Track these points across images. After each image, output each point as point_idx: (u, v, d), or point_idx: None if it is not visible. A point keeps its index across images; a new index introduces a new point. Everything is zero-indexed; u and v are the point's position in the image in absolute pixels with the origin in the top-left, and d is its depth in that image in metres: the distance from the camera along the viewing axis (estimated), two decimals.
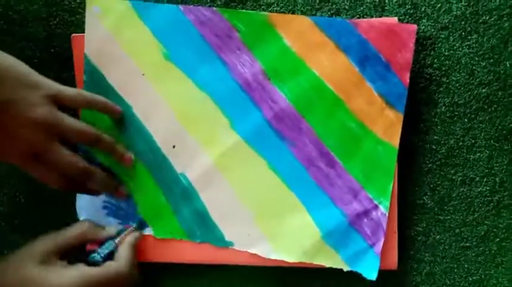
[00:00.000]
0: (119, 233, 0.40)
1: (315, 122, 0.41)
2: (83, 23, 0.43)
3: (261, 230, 0.42)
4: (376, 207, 0.40)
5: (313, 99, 0.41)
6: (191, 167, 0.42)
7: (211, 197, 0.42)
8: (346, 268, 0.41)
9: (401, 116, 0.40)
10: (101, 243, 0.39)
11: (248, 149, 0.41)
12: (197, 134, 0.42)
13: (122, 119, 0.42)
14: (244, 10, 0.42)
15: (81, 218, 0.43)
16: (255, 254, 0.42)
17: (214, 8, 0.42)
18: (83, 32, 0.43)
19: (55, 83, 0.38)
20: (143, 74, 0.42)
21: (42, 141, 0.37)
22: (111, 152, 0.41)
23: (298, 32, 0.41)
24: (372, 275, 0.40)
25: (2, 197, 0.46)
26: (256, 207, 0.42)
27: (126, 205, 0.43)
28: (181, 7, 0.42)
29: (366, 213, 0.41)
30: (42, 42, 0.45)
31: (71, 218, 0.43)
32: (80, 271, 0.35)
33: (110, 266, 0.36)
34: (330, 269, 0.41)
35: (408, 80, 0.40)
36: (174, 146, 0.42)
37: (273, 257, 0.41)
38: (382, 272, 0.42)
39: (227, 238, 0.42)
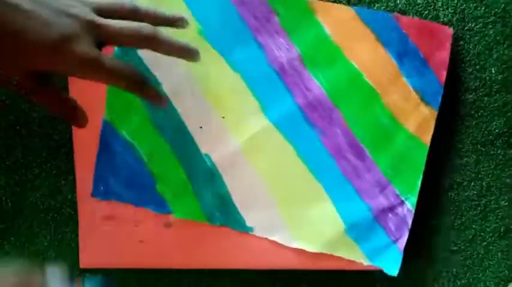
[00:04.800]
0: None
1: (348, 113, 0.40)
2: None
3: (283, 217, 0.41)
4: (402, 203, 0.40)
5: (349, 90, 0.40)
6: (217, 148, 0.41)
7: (235, 180, 0.41)
8: (366, 262, 0.40)
9: (435, 113, 0.40)
10: None
11: (277, 135, 0.41)
12: (226, 115, 0.41)
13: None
14: None
15: (97, 190, 0.42)
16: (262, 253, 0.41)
17: None
18: None
19: None
20: None
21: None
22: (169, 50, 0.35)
23: (338, 21, 0.40)
24: (393, 271, 0.40)
25: None
26: (281, 194, 0.41)
27: (145, 181, 0.41)
28: None
29: (391, 208, 0.40)
30: None
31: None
32: None
33: None
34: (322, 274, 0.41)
35: (444, 79, 0.40)
36: (201, 127, 0.41)
37: (293, 245, 0.41)
38: (373, 275, 0.42)
39: (248, 223, 0.41)
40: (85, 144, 0.42)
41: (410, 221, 0.40)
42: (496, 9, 0.42)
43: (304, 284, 0.43)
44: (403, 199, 0.40)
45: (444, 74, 0.40)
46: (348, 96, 0.40)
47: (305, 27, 0.40)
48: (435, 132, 0.41)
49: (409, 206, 0.40)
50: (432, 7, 0.42)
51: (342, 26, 0.40)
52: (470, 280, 0.42)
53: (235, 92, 0.41)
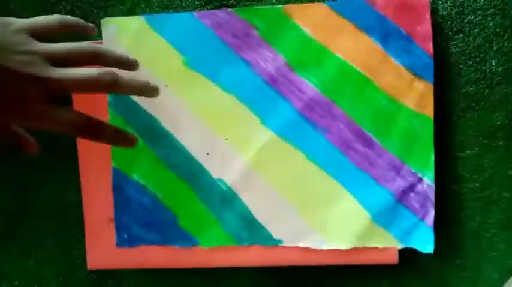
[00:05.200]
0: None
1: (346, 105, 0.41)
2: None
3: (308, 222, 0.41)
4: (420, 180, 0.40)
5: (341, 83, 0.41)
6: (228, 171, 0.42)
7: (253, 197, 0.41)
8: (400, 246, 0.40)
9: (431, 86, 0.40)
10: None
11: (283, 143, 0.41)
12: (229, 136, 0.42)
13: (151, 133, 0.42)
14: (257, 6, 0.42)
15: (122, 239, 0.43)
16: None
17: (229, 9, 0.42)
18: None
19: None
20: (166, 86, 0.42)
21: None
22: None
23: (315, 20, 0.41)
24: (427, 248, 0.40)
25: None
26: (300, 200, 0.41)
27: (166, 219, 0.42)
28: (195, 13, 0.42)
29: (411, 187, 0.40)
30: None
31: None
32: None
33: None
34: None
35: (432, 50, 0.40)
36: (207, 153, 0.42)
37: (325, 247, 0.41)
38: (377, 269, 0.43)
39: (275, 236, 0.41)
40: (89, 146, 0.43)
41: (433, 196, 0.40)
42: (495, 1, 0.42)
43: (312, 279, 0.44)
44: (420, 175, 0.40)
45: (430, 45, 0.40)
46: (342, 89, 0.41)
47: (285, 33, 0.41)
48: (436, 126, 0.41)
49: (428, 181, 0.40)
50: (432, 0, 0.42)
51: (320, 23, 0.41)
52: (475, 271, 0.42)
53: (233, 112, 0.41)
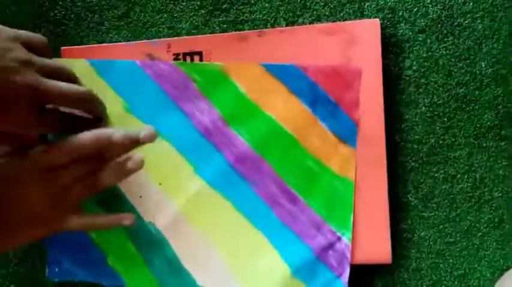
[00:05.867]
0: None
1: (274, 162, 0.42)
2: (68, 34, 0.44)
3: (233, 272, 0.42)
4: (339, 239, 0.42)
5: (271, 141, 0.42)
6: (159, 215, 0.43)
7: (181, 243, 0.43)
8: None
9: (354, 151, 0.42)
10: None
11: (213, 192, 0.43)
12: (163, 182, 0.43)
13: None
14: (199, 62, 0.43)
15: (52, 272, 0.43)
16: None
17: (171, 62, 0.43)
18: (69, 45, 0.43)
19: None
20: None
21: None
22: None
23: (251, 79, 0.43)
24: None
25: None
26: (226, 249, 0.42)
27: (96, 257, 0.43)
28: (138, 62, 0.43)
29: (330, 245, 0.42)
30: None
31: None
32: None
33: None
34: None
35: (358, 117, 0.42)
36: (140, 196, 0.43)
37: None
38: (370, 269, 0.43)
39: (199, 282, 0.42)
40: None
41: (349, 255, 0.41)
42: (484, 4, 0.43)
43: None
44: (339, 235, 0.42)
45: (357, 112, 0.42)
46: (271, 146, 0.42)
47: (222, 89, 0.43)
48: (427, 127, 0.42)
49: (346, 241, 0.42)
50: (421, 4, 0.43)
51: (254, 82, 0.43)
52: (467, 270, 0.43)
53: (168, 159, 0.43)
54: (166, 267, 0.43)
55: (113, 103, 0.43)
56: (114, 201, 0.43)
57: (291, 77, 0.42)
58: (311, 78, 0.42)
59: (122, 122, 0.43)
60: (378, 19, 0.42)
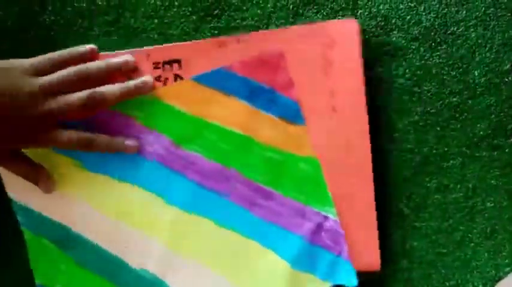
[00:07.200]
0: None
1: (237, 165, 0.42)
2: (57, 40, 0.44)
3: (238, 285, 0.42)
4: (326, 217, 0.41)
5: (226, 147, 0.42)
6: (147, 258, 0.42)
7: (179, 278, 0.42)
8: (328, 285, 0.41)
9: (304, 128, 0.42)
10: None
11: (191, 217, 0.42)
12: (139, 224, 0.43)
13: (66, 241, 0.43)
14: (133, 98, 0.42)
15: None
16: None
17: (107, 109, 0.42)
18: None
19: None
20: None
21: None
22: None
23: (186, 96, 0.42)
24: (351, 281, 0.41)
25: None
26: (224, 266, 0.42)
27: None
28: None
29: (319, 227, 0.41)
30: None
31: None
32: None
33: None
34: None
35: (295, 94, 0.42)
36: (126, 247, 0.43)
37: None
38: (361, 281, 0.43)
39: None
40: None
41: (341, 230, 0.41)
42: (477, 13, 0.42)
43: None
44: (324, 213, 0.41)
45: (293, 91, 0.42)
46: (228, 151, 0.42)
47: (163, 115, 0.43)
48: (420, 136, 0.42)
49: (332, 217, 0.41)
50: (415, 12, 0.43)
51: (190, 98, 0.43)
52: (459, 281, 0.43)
53: (135, 199, 0.43)
54: None
55: (69, 167, 0.43)
56: (101, 261, 0.43)
57: (221, 80, 0.42)
58: (240, 74, 0.42)
59: (77, 181, 0.43)
60: (355, 19, 0.41)
